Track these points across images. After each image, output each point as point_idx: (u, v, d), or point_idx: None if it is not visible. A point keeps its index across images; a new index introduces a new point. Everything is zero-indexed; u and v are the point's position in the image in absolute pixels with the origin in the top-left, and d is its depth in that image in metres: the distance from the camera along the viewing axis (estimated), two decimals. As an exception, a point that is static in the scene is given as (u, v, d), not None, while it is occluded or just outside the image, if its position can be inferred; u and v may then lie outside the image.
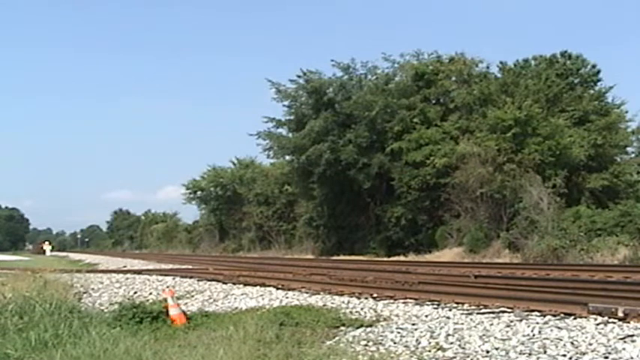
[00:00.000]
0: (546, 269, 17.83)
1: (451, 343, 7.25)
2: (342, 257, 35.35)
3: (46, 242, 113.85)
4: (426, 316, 9.58)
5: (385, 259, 32.23)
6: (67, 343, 7.67)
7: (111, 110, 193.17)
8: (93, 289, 18.36)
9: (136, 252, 74.60)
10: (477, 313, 9.44)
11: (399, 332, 8.05)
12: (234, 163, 62.29)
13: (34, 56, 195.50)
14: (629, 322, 7.84)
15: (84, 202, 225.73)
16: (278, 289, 14.43)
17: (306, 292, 13.34)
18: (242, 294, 14.04)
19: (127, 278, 21.74)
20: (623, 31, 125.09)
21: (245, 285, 15.85)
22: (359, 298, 11.92)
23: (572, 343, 6.84)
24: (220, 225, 63.93)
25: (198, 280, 18.36)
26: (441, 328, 8.12)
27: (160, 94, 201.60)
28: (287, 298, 12.73)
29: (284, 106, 41.79)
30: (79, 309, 10.73)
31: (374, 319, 9.42)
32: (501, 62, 38.67)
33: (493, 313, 9.39)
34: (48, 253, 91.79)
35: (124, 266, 32.39)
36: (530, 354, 6.47)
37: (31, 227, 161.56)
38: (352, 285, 13.94)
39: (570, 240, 23.73)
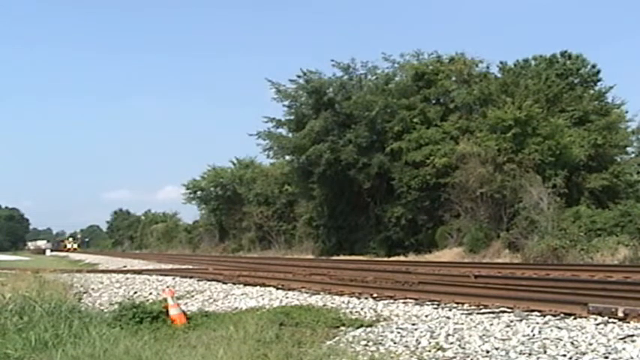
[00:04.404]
0: (546, 269, 17.82)
1: (451, 343, 7.26)
2: (342, 257, 35.35)
3: (70, 238, 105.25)
4: (426, 316, 9.59)
5: (385, 259, 32.22)
6: (67, 343, 7.66)
7: (111, 110, 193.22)
8: (93, 289, 18.38)
9: (136, 252, 74.49)
10: (477, 313, 9.44)
11: (399, 332, 8.06)
12: (234, 163, 62.32)
13: (35, 55, 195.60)
14: (629, 322, 7.85)
15: (84, 202, 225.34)
16: (278, 289, 14.44)
17: (306, 292, 13.35)
18: (242, 294, 14.05)
19: (127, 278, 21.75)
20: (623, 31, 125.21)
21: (245, 285, 15.86)
22: (359, 298, 11.92)
23: (572, 343, 6.84)
24: (220, 225, 63.91)
25: (198, 280, 18.37)
26: (441, 328, 8.13)
27: (160, 95, 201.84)
28: (287, 298, 12.73)
29: (284, 106, 41.82)
30: (79, 309, 10.73)
31: (374, 319, 9.43)
32: (501, 62, 38.74)
33: (493, 313, 9.39)
34: (48, 253, 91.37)
35: (124, 266, 32.39)
36: (530, 354, 6.47)
37: (31, 227, 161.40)
38: (352, 285, 13.94)
39: (570, 240, 23.72)
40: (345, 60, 40.34)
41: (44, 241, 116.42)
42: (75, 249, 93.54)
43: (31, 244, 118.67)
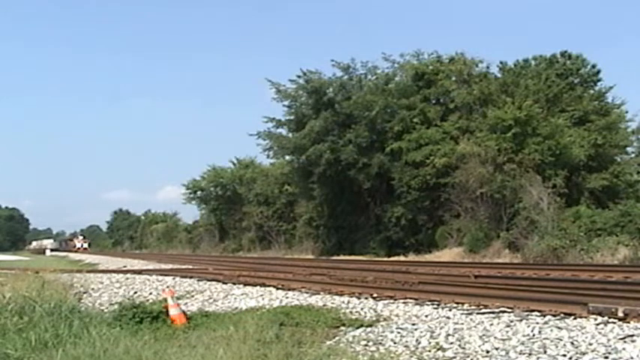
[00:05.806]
0: (546, 269, 17.83)
1: (451, 343, 7.26)
2: (342, 257, 35.35)
3: (80, 237, 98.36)
4: (426, 316, 9.59)
5: (385, 259, 32.22)
6: (67, 343, 7.66)
7: (111, 110, 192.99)
8: (93, 289, 18.38)
9: (136, 252, 74.46)
10: (477, 313, 9.45)
11: (399, 332, 8.06)
12: (234, 163, 62.30)
13: (35, 55, 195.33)
14: (629, 322, 7.85)
15: (84, 202, 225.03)
16: (278, 289, 14.45)
17: (306, 292, 13.35)
18: (242, 294, 14.05)
19: (127, 278, 21.75)
20: (623, 31, 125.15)
21: (245, 285, 15.87)
22: (359, 298, 11.93)
23: (572, 343, 6.84)
24: (220, 225, 63.90)
25: (198, 280, 18.37)
26: (441, 328, 8.13)
27: (160, 95, 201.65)
28: (287, 298, 12.74)
29: (284, 106, 41.83)
30: (79, 309, 10.72)
31: (374, 319, 9.43)
32: (501, 62, 38.70)
33: (493, 313, 9.40)
34: (48, 253, 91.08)
35: (124, 266, 32.39)
36: (530, 354, 6.48)
37: (31, 227, 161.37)
38: (352, 285, 13.94)
39: (570, 240, 23.72)
40: (345, 60, 40.44)
41: (50, 241, 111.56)
42: (85, 249, 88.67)
43: (35, 244, 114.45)
